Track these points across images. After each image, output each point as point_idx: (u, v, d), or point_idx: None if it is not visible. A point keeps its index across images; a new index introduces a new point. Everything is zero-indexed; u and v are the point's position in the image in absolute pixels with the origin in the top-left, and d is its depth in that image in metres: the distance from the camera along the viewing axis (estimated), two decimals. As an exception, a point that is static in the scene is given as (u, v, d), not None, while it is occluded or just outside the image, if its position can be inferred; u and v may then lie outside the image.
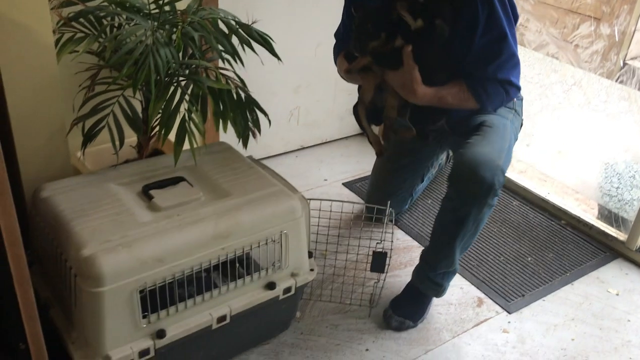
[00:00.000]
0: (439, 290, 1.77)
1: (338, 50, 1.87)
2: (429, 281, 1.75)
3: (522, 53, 2.51)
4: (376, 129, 2.03)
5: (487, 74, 1.61)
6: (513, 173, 2.53)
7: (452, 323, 1.80)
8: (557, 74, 2.43)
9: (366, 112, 1.83)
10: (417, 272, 1.79)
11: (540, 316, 1.85)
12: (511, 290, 1.95)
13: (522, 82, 1.92)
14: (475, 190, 1.54)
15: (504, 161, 1.59)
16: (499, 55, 1.59)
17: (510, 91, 1.66)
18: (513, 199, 2.43)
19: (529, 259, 2.10)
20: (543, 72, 2.47)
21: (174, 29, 1.52)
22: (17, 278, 1.12)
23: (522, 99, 1.86)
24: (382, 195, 2.11)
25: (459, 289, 1.93)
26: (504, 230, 2.24)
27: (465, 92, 1.65)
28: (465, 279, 1.98)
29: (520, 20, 2.44)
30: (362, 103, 1.81)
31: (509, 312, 1.86)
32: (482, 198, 1.55)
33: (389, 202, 1.73)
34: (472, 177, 1.53)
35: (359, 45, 1.63)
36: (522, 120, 1.87)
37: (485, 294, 1.92)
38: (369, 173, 2.28)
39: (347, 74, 1.77)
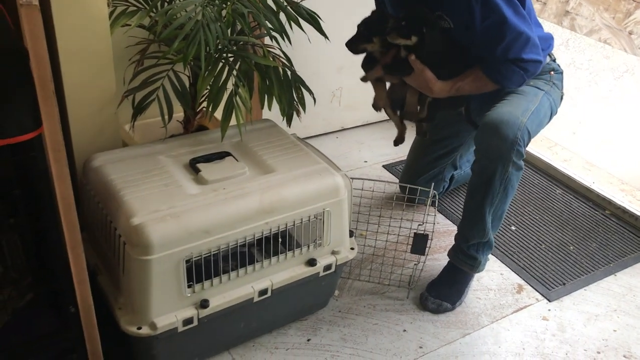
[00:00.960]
0: (474, 265, 1.76)
1: None
2: (462, 254, 1.76)
3: (573, 38, 2.46)
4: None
5: (497, 56, 1.63)
6: (557, 161, 2.49)
7: (491, 308, 1.79)
8: (608, 60, 2.37)
9: (390, 103, 1.90)
10: (452, 248, 1.81)
11: (582, 305, 1.83)
12: (552, 278, 1.92)
13: (571, 69, 1.89)
14: (499, 147, 1.58)
15: (529, 120, 1.61)
16: (502, 39, 1.59)
17: (528, 67, 1.65)
18: (556, 187, 2.39)
19: (571, 247, 2.06)
20: (594, 58, 2.41)
21: (224, 5, 1.53)
22: (70, 243, 1.16)
23: (561, 72, 1.85)
24: (413, 173, 2.13)
25: (499, 275, 1.92)
26: (546, 218, 2.21)
27: (481, 77, 1.69)
28: (506, 265, 1.96)
29: (572, 5, 2.38)
30: (377, 107, 1.89)
31: (549, 300, 1.83)
32: (506, 154, 1.58)
33: (432, 184, 1.73)
34: (495, 134, 1.58)
35: (349, 44, 1.73)
36: (562, 94, 1.86)
37: (525, 281, 1.90)
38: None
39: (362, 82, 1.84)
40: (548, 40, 1.81)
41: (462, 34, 1.64)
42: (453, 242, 1.81)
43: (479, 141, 1.65)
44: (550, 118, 1.79)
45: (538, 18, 1.83)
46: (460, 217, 2.09)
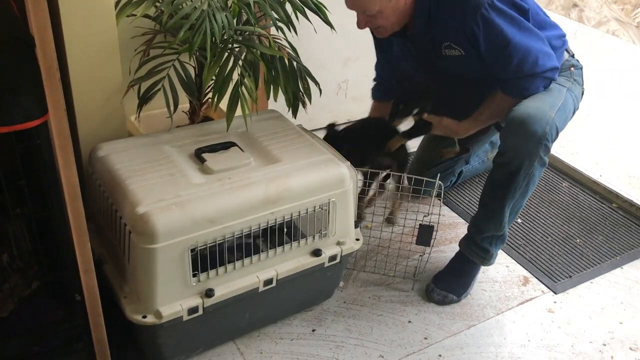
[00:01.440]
0: (486, 257, 1.75)
1: (374, 95, 2.12)
2: (475, 246, 1.75)
3: (581, 30, 2.44)
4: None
5: (510, 75, 1.66)
6: (564, 154, 2.47)
7: (497, 300, 1.78)
8: (616, 52, 2.35)
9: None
10: (464, 239, 1.80)
11: (588, 298, 1.82)
12: (558, 270, 1.91)
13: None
14: (527, 142, 1.56)
15: (557, 115, 1.60)
16: (510, 60, 1.62)
17: (547, 75, 1.67)
18: (563, 180, 2.38)
19: (578, 240, 2.06)
20: (602, 50, 2.39)
21: (230, -5, 1.53)
22: (76, 230, 1.17)
23: (581, 68, 1.84)
24: (423, 165, 2.13)
25: (505, 267, 1.91)
26: (553, 211, 2.20)
27: (502, 99, 1.71)
28: (512, 257, 1.95)
29: (579, -4, 2.36)
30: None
31: (555, 293, 1.83)
32: (534, 150, 1.56)
33: (438, 175, 1.72)
34: (523, 129, 1.55)
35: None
36: (583, 89, 1.84)
37: (531, 273, 1.89)
38: (415, 150, 2.26)
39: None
40: (561, 38, 1.80)
41: (475, 59, 1.65)
42: (458, 235, 1.81)
43: (505, 136, 1.61)
44: (573, 114, 1.78)
45: (546, 10, 1.82)
46: (465, 209, 2.09)
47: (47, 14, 0.97)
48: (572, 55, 1.84)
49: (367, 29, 1.77)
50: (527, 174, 1.59)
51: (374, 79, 2.10)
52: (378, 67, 2.07)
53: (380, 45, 1.94)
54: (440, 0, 1.61)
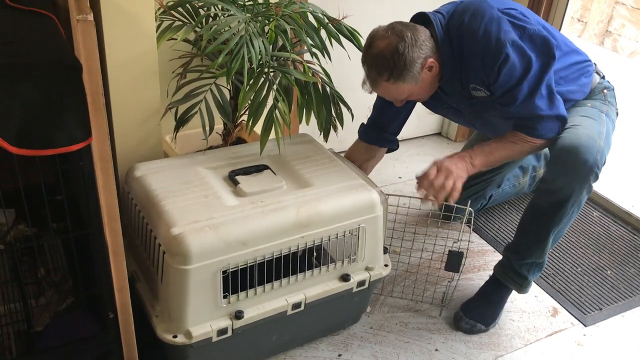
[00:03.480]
0: (523, 284, 1.73)
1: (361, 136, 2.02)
2: (513, 272, 1.73)
3: (616, 58, 2.42)
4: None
5: (514, 114, 1.64)
6: (595, 183, 2.44)
7: (525, 331, 1.76)
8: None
9: None
10: (500, 264, 1.77)
11: (618, 332, 1.79)
12: (588, 302, 1.89)
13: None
14: (579, 170, 1.55)
15: (604, 143, 1.59)
16: (514, 101, 1.59)
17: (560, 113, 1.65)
18: (594, 209, 2.35)
19: (609, 272, 2.03)
20: (636, 79, 2.37)
21: (267, 21, 1.56)
22: (113, 250, 1.19)
23: (612, 89, 1.82)
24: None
25: (534, 297, 1.89)
26: (583, 241, 2.17)
27: (512, 135, 1.68)
28: (540, 287, 1.93)
29: (614, 26, 2.35)
30: None
31: (585, 325, 1.80)
32: (585, 178, 1.55)
33: (469, 201, 1.72)
34: (575, 157, 1.54)
35: None
36: (617, 110, 1.82)
37: (560, 304, 1.87)
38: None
39: None
40: (587, 62, 1.77)
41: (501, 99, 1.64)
42: (487, 262, 1.80)
43: (555, 164, 1.59)
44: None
45: (579, 38, 1.82)
46: (494, 236, 2.07)
47: (96, 42, 1.00)
48: (603, 77, 1.83)
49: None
50: (575, 201, 1.59)
51: (368, 120, 2.03)
52: (378, 114, 2.02)
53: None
54: (464, 42, 1.59)
